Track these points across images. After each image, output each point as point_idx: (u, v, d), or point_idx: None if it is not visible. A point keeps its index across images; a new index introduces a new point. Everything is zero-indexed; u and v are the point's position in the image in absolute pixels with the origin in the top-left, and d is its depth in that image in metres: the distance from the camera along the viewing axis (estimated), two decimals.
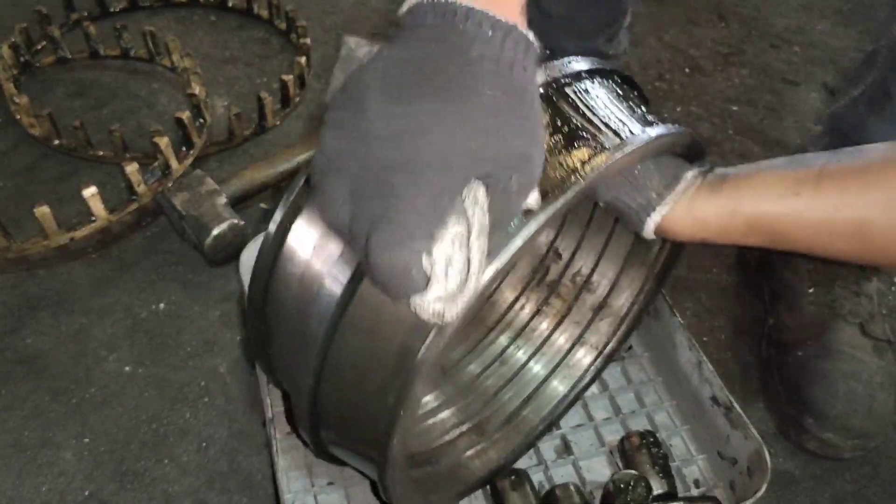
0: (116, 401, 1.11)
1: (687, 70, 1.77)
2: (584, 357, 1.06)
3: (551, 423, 1.03)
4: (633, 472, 0.95)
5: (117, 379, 1.13)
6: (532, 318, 1.10)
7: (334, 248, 0.67)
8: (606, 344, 1.05)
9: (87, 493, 1.01)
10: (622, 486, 0.91)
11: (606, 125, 0.72)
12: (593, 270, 1.06)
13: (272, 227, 0.71)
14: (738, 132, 1.62)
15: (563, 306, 1.09)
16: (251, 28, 1.79)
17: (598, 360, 1.06)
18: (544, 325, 1.09)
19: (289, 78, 1.53)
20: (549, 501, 0.94)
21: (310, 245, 0.70)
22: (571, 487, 0.94)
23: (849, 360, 1.08)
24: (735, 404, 0.98)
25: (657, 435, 1.02)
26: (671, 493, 0.98)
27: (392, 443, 0.69)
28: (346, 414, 0.73)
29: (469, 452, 0.99)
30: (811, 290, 1.15)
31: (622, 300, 1.05)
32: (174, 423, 1.09)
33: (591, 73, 0.77)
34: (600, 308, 1.06)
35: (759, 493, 0.89)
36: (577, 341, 1.06)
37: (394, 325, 0.64)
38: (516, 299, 1.11)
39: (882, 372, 1.09)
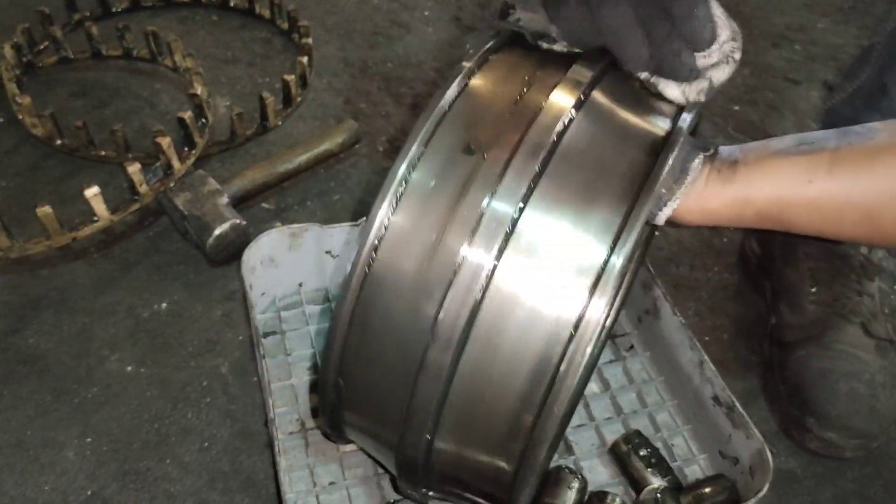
0: (119, 400, 1.11)
1: None
2: None
3: None
4: (653, 487, 0.95)
5: (119, 379, 1.13)
6: None
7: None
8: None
9: (89, 493, 1.01)
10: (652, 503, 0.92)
11: None
12: None
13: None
14: (739, 131, 1.62)
15: None
16: (253, 28, 1.80)
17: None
18: None
19: (291, 78, 1.53)
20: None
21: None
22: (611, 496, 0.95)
23: (851, 360, 1.08)
24: (737, 404, 0.98)
25: (641, 433, 1.03)
26: (678, 486, 0.99)
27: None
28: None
29: None
30: (813, 290, 1.15)
31: None
32: (176, 422, 1.09)
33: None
34: None
35: (762, 493, 0.89)
36: None
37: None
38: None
39: (884, 372, 1.09)
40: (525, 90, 0.69)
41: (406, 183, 0.66)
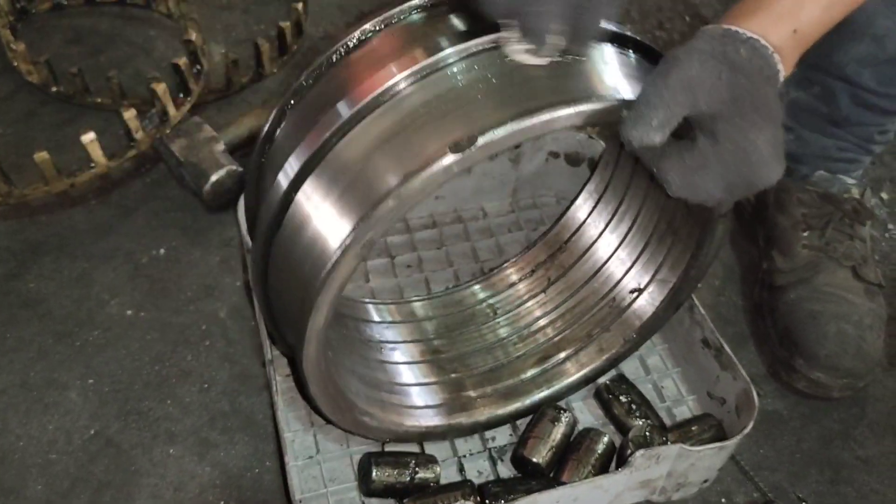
0: (119, 343, 1.13)
1: (687, 18, 1.76)
2: (605, 345, 1.04)
3: (545, 400, 1.03)
4: (640, 424, 0.98)
5: (120, 322, 1.15)
6: (568, 296, 1.09)
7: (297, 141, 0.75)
8: (630, 334, 1.03)
9: (92, 432, 1.04)
10: (641, 440, 0.95)
11: None
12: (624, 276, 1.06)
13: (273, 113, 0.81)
14: None
15: (602, 289, 1.08)
16: None
17: (620, 348, 1.04)
18: (578, 308, 1.08)
19: (286, 25, 1.52)
20: (578, 442, 0.97)
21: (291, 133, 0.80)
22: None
23: (840, 303, 1.10)
24: (725, 346, 1.00)
25: (625, 378, 1.06)
26: (662, 424, 1.02)
27: (312, 322, 0.75)
28: (284, 289, 0.80)
29: (449, 401, 1.00)
30: (805, 234, 1.17)
31: (659, 290, 1.02)
32: (176, 364, 1.11)
33: None
34: (636, 294, 1.04)
35: (746, 430, 0.92)
36: (606, 328, 1.05)
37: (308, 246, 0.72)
38: (560, 275, 1.11)
39: (872, 314, 1.11)
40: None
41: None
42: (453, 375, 1.03)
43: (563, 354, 1.04)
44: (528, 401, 1.01)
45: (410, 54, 0.72)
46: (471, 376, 1.04)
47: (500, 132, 0.67)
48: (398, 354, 1.04)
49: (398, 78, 0.71)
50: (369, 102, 0.71)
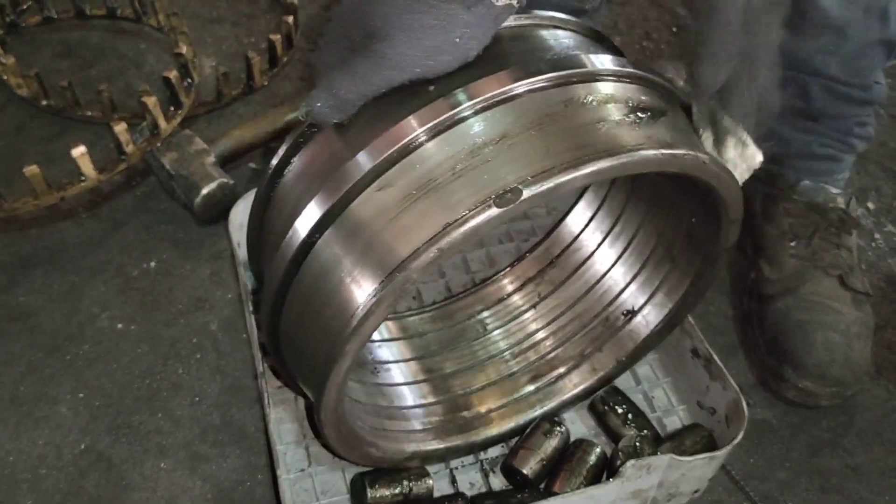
0: (110, 357, 1.13)
1: (674, 29, 1.77)
2: (598, 364, 1.05)
3: (539, 418, 1.02)
4: (631, 434, 0.99)
5: (110, 336, 1.15)
6: (561, 313, 1.10)
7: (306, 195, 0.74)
8: (623, 355, 1.04)
9: (83, 447, 1.04)
10: (631, 451, 0.95)
11: None
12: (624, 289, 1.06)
13: (275, 160, 0.80)
14: None
15: (594, 308, 1.08)
16: None
17: (613, 367, 1.04)
18: (571, 326, 1.08)
19: (276, 37, 1.52)
20: (570, 453, 0.98)
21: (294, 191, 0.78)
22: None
23: (827, 312, 1.11)
24: (714, 356, 1.00)
25: (618, 390, 1.06)
26: (657, 436, 1.03)
27: (332, 377, 0.74)
28: (297, 341, 0.79)
29: (445, 423, 1.00)
30: (792, 244, 1.18)
31: (654, 313, 1.03)
32: (167, 378, 1.11)
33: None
34: (629, 317, 1.04)
35: (736, 440, 0.92)
36: (598, 348, 1.05)
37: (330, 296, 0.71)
38: (551, 291, 1.11)
39: (859, 323, 1.12)
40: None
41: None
42: (448, 395, 1.03)
43: (556, 372, 1.05)
44: (523, 419, 1.01)
45: (436, 101, 0.70)
46: (465, 395, 1.03)
47: (546, 185, 0.66)
48: (393, 375, 1.03)
49: (421, 130, 0.69)
50: (400, 148, 0.69)
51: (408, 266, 0.67)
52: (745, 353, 1.19)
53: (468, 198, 0.67)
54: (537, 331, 1.09)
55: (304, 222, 0.73)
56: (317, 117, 0.73)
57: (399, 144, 0.69)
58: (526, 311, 1.11)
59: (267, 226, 0.83)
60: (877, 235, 1.37)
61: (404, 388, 1.02)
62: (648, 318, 1.02)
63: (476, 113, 0.69)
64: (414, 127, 0.69)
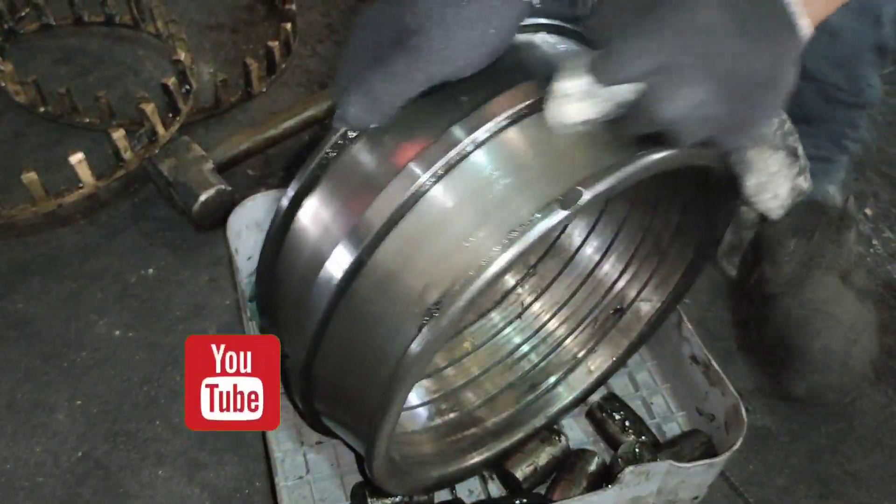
0: (108, 364, 1.12)
1: None
2: (594, 366, 1.04)
3: (543, 427, 1.02)
4: (629, 440, 0.98)
5: (108, 342, 1.15)
6: (547, 320, 1.09)
7: (340, 228, 0.69)
8: (618, 353, 1.04)
9: (80, 454, 1.03)
10: (630, 457, 0.95)
11: None
12: (618, 278, 1.05)
13: (290, 191, 0.74)
14: None
15: (581, 310, 1.07)
16: None
17: (609, 366, 1.04)
18: (560, 331, 1.07)
19: (274, 44, 1.52)
20: (570, 462, 0.97)
21: (322, 218, 0.73)
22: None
23: (824, 316, 1.11)
24: (713, 362, 1.00)
25: (616, 396, 1.05)
26: (656, 443, 1.02)
27: (384, 426, 0.71)
28: (339, 392, 0.75)
29: (457, 442, 0.98)
30: (793, 242, 1.18)
31: (645, 308, 1.02)
32: (165, 385, 1.11)
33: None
34: (619, 315, 1.04)
35: (736, 446, 0.92)
36: (591, 349, 1.05)
37: (387, 318, 0.67)
38: (534, 300, 1.10)
39: (862, 320, 1.12)
40: None
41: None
42: (451, 416, 1.01)
43: (552, 380, 1.04)
44: (522, 433, 1.00)
45: (424, 146, 0.68)
46: (467, 413, 1.02)
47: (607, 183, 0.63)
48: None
49: (426, 176, 0.67)
50: (405, 202, 0.66)
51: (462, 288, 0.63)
52: (745, 355, 1.19)
53: (529, 203, 0.64)
54: (525, 341, 1.08)
55: (336, 264, 0.68)
56: (352, 123, 0.69)
57: (446, 157, 0.66)
58: (533, 301, 1.10)
59: (284, 267, 0.78)
60: (875, 241, 1.37)
61: (421, 410, 1.00)
62: (640, 313, 1.02)
63: (512, 122, 0.67)
64: (456, 140, 0.67)
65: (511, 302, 1.11)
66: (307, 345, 0.71)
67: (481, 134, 0.67)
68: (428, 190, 0.66)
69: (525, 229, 0.62)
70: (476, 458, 0.96)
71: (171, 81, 1.33)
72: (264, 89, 1.55)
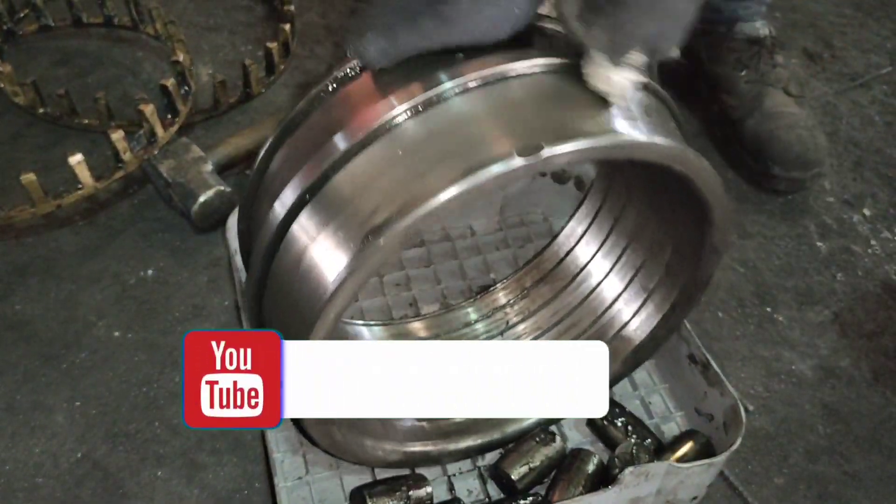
0: (107, 365, 1.12)
1: None
2: None
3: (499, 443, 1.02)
4: (628, 442, 0.98)
5: (107, 344, 1.15)
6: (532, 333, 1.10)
7: (314, 148, 0.74)
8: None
9: (79, 455, 1.03)
10: (628, 458, 0.95)
11: None
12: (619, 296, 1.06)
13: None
14: None
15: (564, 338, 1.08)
16: None
17: None
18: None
19: (273, 45, 1.53)
20: (568, 463, 0.97)
21: (301, 142, 0.79)
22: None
23: (787, 116, 1.42)
24: (712, 362, 1.00)
25: (615, 401, 1.05)
26: (655, 442, 1.02)
27: (315, 334, 0.73)
28: (284, 298, 0.77)
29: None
30: (742, 73, 1.48)
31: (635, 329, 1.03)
32: (164, 386, 1.11)
33: None
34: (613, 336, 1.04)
35: (734, 446, 0.92)
36: None
37: (338, 230, 0.71)
38: (519, 321, 1.12)
39: (809, 117, 1.45)
40: None
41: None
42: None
43: None
44: (517, 427, 1.00)
45: (411, 84, 0.72)
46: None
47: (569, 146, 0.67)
48: None
49: (403, 108, 0.71)
50: (378, 128, 0.71)
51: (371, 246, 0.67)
52: (730, 167, 1.46)
53: (494, 149, 0.67)
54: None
55: (283, 203, 0.73)
56: (365, 58, 0.74)
57: (425, 95, 0.70)
58: (518, 322, 1.11)
59: (255, 216, 0.84)
60: (873, 242, 1.37)
61: None
62: (640, 327, 1.02)
63: (501, 80, 0.71)
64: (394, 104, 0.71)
65: (496, 319, 1.12)
66: (263, 251, 0.75)
67: (470, 82, 0.71)
68: (402, 122, 0.70)
69: (479, 170, 0.65)
70: (450, 446, 0.97)
71: (170, 83, 1.33)
72: (263, 90, 1.55)
